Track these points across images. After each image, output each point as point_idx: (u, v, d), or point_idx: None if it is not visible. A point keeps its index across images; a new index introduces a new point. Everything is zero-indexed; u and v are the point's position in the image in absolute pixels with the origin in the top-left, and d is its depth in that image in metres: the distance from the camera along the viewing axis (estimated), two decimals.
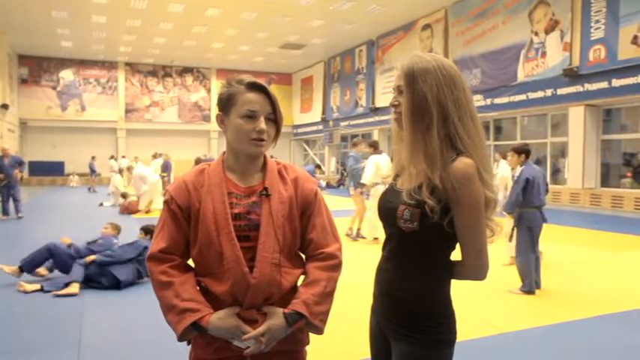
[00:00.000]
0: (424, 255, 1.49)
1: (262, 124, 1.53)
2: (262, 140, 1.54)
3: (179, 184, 1.60)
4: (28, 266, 5.43)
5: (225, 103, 1.57)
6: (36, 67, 26.58)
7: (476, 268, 1.48)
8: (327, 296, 1.58)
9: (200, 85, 29.95)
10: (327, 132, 26.58)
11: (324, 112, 27.77)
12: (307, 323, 1.54)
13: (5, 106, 20.56)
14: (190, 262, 1.62)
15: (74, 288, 5.12)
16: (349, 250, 7.76)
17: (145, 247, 5.49)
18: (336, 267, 1.62)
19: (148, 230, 5.88)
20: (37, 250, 5.50)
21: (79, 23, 20.16)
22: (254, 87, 1.56)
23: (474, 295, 4.85)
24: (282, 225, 1.56)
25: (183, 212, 1.56)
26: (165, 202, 1.59)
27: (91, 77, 27.78)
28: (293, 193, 1.61)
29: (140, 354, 3.68)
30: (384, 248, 1.60)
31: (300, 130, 30.65)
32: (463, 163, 1.41)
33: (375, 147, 8.69)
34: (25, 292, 5.10)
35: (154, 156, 17.60)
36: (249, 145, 1.54)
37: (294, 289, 1.60)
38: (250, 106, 1.53)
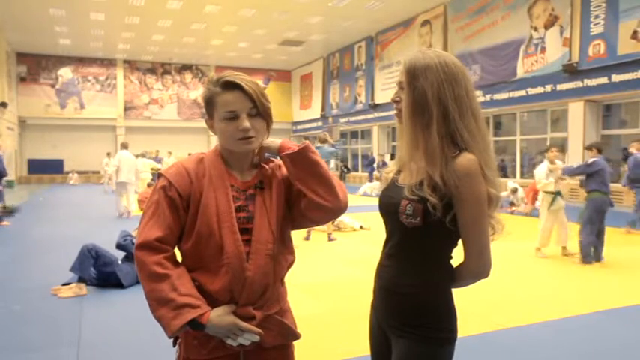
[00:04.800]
0: (426, 251, 1.48)
1: (245, 123, 1.49)
2: (249, 138, 1.51)
3: (179, 170, 1.53)
4: (87, 274, 5.17)
5: (208, 108, 1.56)
6: (34, 65, 26.52)
7: (478, 266, 1.47)
8: (322, 165, 1.54)
9: (199, 82, 29.89)
10: (327, 128, 26.54)
11: (323, 109, 27.75)
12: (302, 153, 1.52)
13: (4, 105, 20.52)
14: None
15: (82, 289, 5.11)
16: (347, 246, 7.78)
17: None
18: (343, 188, 1.59)
19: None
20: (80, 258, 5.21)
21: (78, 21, 20.12)
22: (228, 86, 1.51)
23: (474, 291, 4.85)
24: (275, 216, 1.56)
25: (182, 201, 1.50)
26: (162, 188, 1.50)
27: (90, 75, 27.72)
28: (285, 186, 1.61)
29: (139, 352, 3.68)
30: (385, 245, 1.59)
31: (299, 127, 30.64)
32: (466, 159, 1.41)
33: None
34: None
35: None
36: (238, 145, 1.52)
37: (282, 280, 1.63)
38: (227, 107, 1.50)
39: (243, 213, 1.53)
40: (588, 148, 7.09)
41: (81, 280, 5.11)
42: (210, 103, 1.54)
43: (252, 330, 1.47)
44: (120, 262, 5.33)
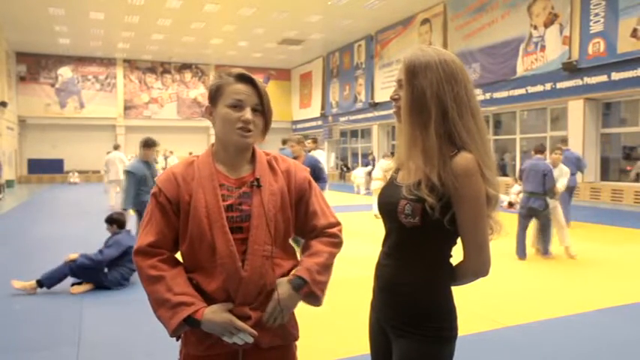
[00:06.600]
0: (425, 250, 1.48)
1: (248, 114, 1.52)
2: (248, 130, 1.53)
3: (168, 176, 1.58)
4: (49, 281, 5.15)
5: (214, 95, 1.57)
6: (34, 65, 26.51)
7: (478, 264, 1.47)
8: (328, 268, 1.61)
9: (199, 81, 29.90)
10: (327, 127, 26.55)
11: (323, 108, 27.73)
12: (309, 293, 1.55)
13: (4, 104, 20.51)
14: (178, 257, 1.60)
15: (89, 285, 5.21)
16: (349, 246, 7.76)
17: (130, 247, 5.32)
18: (338, 245, 1.66)
19: (112, 220, 5.60)
20: (57, 267, 5.21)
21: (77, 20, 20.10)
22: (242, 78, 1.56)
23: (474, 290, 4.85)
24: (273, 216, 1.55)
25: (172, 205, 1.54)
26: (153, 195, 1.56)
27: (90, 74, 27.71)
28: (284, 183, 1.61)
29: (139, 351, 3.68)
30: (383, 244, 1.59)
31: (299, 126, 30.62)
32: (464, 158, 1.40)
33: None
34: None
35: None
36: (236, 135, 1.53)
37: None
38: (237, 96, 1.53)
39: (235, 212, 1.53)
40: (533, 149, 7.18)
41: (38, 282, 5.09)
42: (218, 90, 1.56)
43: (247, 330, 1.47)
44: (106, 270, 5.29)
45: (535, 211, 6.64)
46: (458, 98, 1.43)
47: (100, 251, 5.30)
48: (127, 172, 5.87)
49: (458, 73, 1.45)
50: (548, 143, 15.41)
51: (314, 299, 1.58)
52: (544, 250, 6.76)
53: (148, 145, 5.99)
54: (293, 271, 1.56)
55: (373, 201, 11.44)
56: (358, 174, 19.01)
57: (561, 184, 6.92)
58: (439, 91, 1.42)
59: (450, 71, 1.43)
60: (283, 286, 1.53)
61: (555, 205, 6.84)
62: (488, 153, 1.46)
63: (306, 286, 1.53)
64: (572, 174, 9.31)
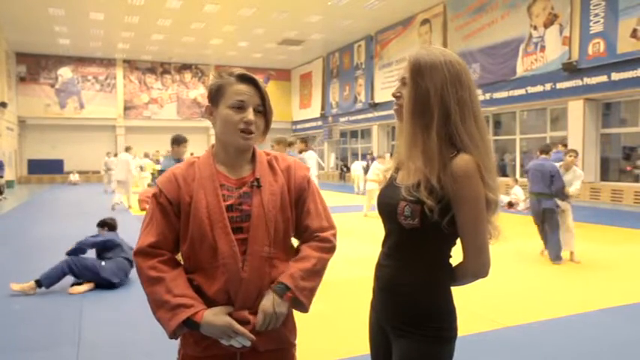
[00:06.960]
0: (424, 251, 1.47)
1: (250, 115, 1.51)
2: (250, 132, 1.52)
3: (168, 177, 1.57)
4: (47, 281, 5.13)
5: (215, 95, 1.56)
6: (34, 65, 26.52)
7: (477, 265, 1.46)
8: (315, 274, 1.57)
9: (199, 81, 29.92)
10: (327, 128, 26.56)
11: (323, 108, 27.74)
12: (293, 299, 1.53)
13: (4, 105, 20.52)
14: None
15: (89, 285, 5.23)
16: (349, 246, 7.77)
17: (109, 240, 5.49)
18: (329, 250, 1.62)
19: (103, 224, 5.77)
20: (55, 265, 5.20)
21: (77, 20, 20.11)
22: (244, 79, 1.55)
23: (474, 290, 4.85)
24: (273, 217, 1.54)
25: (172, 206, 1.53)
26: (154, 196, 1.56)
27: (90, 75, 27.73)
28: (284, 182, 1.60)
29: (139, 351, 3.68)
30: (383, 244, 1.59)
31: (299, 127, 30.64)
32: (463, 160, 1.39)
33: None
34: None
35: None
36: (237, 137, 1.52)
37: None
38: (239, 97, 1.52)
39: (235, 212, 1.52)
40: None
41: (37, 282, 5.10)
42: (219, 90, 1.55)
43: (246, 335, 1.46)
44: (103, 263, 5.32)
45: (549, 211, 6.45)
46: (461, 101, 1.41)
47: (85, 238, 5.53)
48: (161, 172, 5.92)
49: (462, 75, 1.43)
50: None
51: (299, 305, 1.56)
52: (554, 256, 6.41)
53: (178, 141, 5.93)
54: (278, 277, 1.54)
55: (365, 201, 11.46)
56: (356, 167, 19.33)
57: (575, 188, 6.70)
58: (443, 93, 1.41)
59: (455, 73, 1.42)
60: (267, 297, 1.51)
61: (567, 208, 6.63)
62: (489, 155, 1.45)
63: (289, 292, 1.52)
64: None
